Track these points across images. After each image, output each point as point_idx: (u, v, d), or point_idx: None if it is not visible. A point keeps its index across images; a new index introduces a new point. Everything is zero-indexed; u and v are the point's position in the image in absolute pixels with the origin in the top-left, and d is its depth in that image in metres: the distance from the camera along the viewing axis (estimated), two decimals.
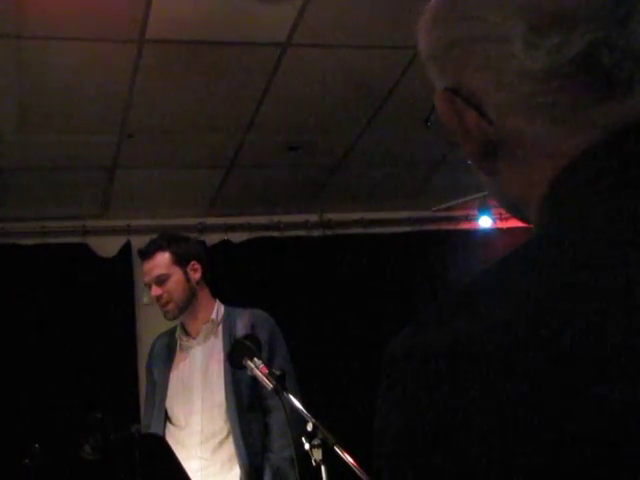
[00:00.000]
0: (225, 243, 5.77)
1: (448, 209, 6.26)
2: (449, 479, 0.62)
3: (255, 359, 2.88)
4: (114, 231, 5.59)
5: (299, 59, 4.03)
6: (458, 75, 0.81)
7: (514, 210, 0.86)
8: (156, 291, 3.48)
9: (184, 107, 4.36)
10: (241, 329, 3.41)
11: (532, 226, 0.80)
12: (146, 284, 3.61)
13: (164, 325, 3.70)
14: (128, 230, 5.57)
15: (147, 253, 3.53)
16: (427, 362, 0.65)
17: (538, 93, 0.75)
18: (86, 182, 5.10)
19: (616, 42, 0.72)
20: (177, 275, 3.48)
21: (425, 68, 0.86)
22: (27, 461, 2.90)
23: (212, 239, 5.74)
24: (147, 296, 3.84)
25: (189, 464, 3.17)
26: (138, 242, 3.73)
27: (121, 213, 5.57)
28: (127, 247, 5.50)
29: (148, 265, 3.52)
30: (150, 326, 4.76)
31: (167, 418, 3.47)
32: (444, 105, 0.82)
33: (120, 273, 5.47)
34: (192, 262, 3.53)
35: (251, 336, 3.13)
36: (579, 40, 0.72)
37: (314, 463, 2.56)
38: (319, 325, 5.61)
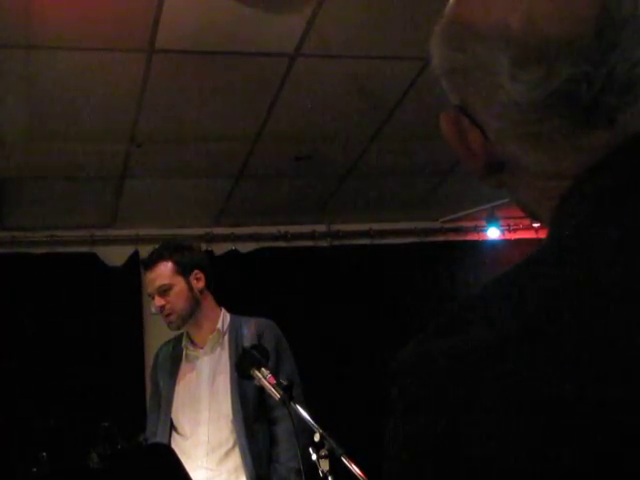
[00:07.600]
0: (233, 253, 5.78)
1: (456, 220, 6.26)
2: None
3: (263, 369, 2.88)
4: (122, 241, 5.61)
5: (308, 70, 4.04)
6: (463, 97, 0.83)
7: (529, 214, 0.87)
8: (159, 302, 3.46)
9: (193, 117, 4.37)
10: (248, 339, 3.40)
11: (543, 235, 0.82)
12: (149, 294, 3.59)
13: (172, 335, 3.69)
14: (136, 240, 5.58)
15: (149, 263, 3.51)
16: (436, 369, 0.67)
17: (525, 123, 0.77)
18: (95, 191, 5.12)
19: (595, 77, 0.73)
20: (180, 285, 3.46)
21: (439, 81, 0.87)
22: (35, 469, 2.90)
23: (220, 249, 5.75)
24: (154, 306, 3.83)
25: (195, 474, 3.16)
26: (146, 252, 3.71)
27: (129, 223, 5.59)
28: (135, 257, 5.50)
29: (151, 275, 3.50)
30: (158, 336, 4.75)
31: (172, 427, 3.46)
32: (448, 124, 0.84)
33: (128, 282, 5.48)
34: (195, 271, 3.50)
35: (259, 346, 3.13)
36: (558, 75, 0.73)
37: (321, 474, 2.55)
38: (326, 335, 5.60)
